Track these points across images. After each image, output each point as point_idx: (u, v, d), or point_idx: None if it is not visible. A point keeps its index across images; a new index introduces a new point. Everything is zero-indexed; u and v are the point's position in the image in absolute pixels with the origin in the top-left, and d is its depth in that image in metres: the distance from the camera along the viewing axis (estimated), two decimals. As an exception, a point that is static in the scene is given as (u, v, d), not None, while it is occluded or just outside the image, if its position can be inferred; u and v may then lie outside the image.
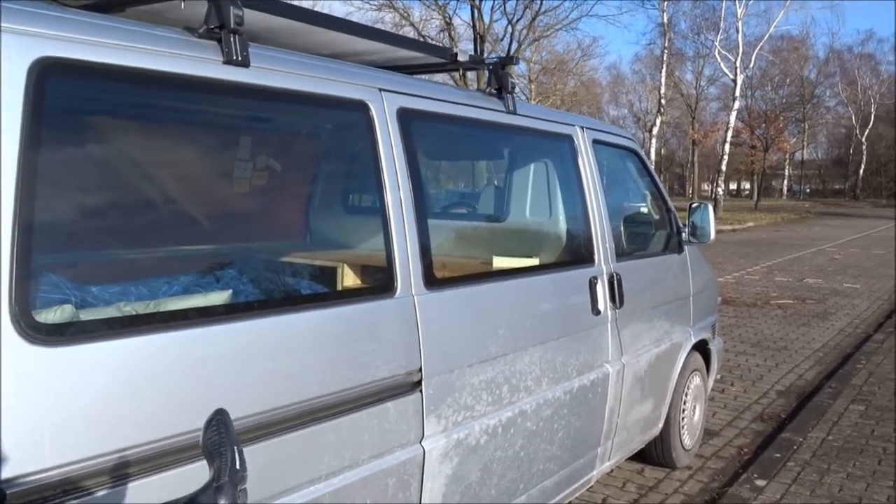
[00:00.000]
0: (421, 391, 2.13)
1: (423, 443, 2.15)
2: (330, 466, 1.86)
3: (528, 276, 2.73)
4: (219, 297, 1.71)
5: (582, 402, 2.96)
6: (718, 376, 4.91)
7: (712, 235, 3.83)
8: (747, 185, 63.32)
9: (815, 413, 5.10)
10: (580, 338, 2.94)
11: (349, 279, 2.21)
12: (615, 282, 3.17)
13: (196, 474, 1.54)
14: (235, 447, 0.93)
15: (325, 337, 1.86)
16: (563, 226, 3.22)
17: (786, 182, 64.05)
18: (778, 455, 4.33)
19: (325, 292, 1.95)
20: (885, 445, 4.47)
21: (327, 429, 1.84)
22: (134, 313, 1.58)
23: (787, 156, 57.95)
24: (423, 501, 2.17)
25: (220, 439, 0.93)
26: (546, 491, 2.87)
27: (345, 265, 2.32)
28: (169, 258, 2.26)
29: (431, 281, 2.21)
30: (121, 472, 1.42)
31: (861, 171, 56.81)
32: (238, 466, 0.90)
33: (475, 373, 2.34)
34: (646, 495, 3.91)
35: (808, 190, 67.40)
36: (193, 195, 2.18)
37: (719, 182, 28.77)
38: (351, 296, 2.00)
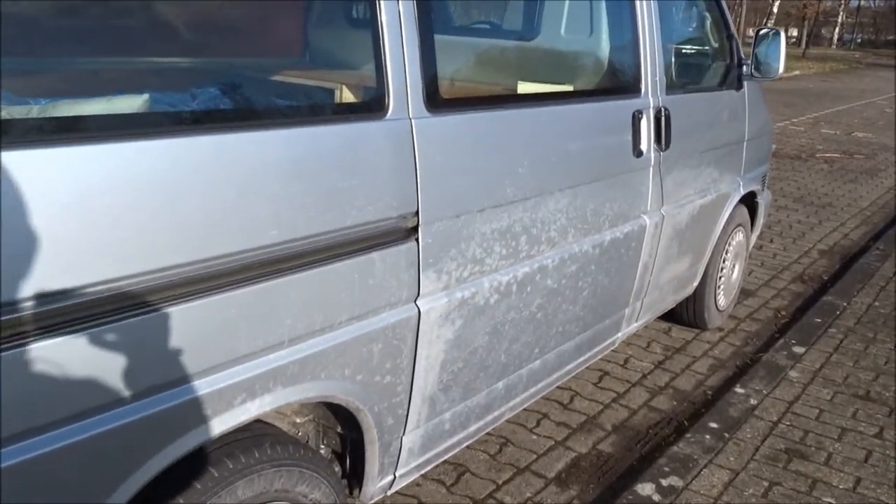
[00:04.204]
0: (417, 240, 1.70)
1: (418, 302, 1.76)
2: (295, 330, 1.47)
3: (558, 105, 2.22)
4: (129, 104, 1.25)
5: (612, 258, 2.54)
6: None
7: (781, 69, 3.23)
8: (794, 32, 59.69)
9: (861, 276, 4.68)
10: (616, 183, 2.47)
11: (330, 97, 1.72)
12: (663, 118, 2.65)
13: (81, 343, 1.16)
14: None
15: (285, 166, 1.40)
16: (605, 47, 2.65)
17: (837, 30, 60.21)
18: (819, 320, 3.96)
19: (287, 109, 1.47)
20: (940, 315, 4.08)
21: (290, 284, 1.44)
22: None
23: (842, 1, 54.00)
24: (416, 370, 1.82)
25: None
26: (564, 355, 2.52)
27: (332, 83, 1.83)
28: (134, 71, 1.78)
29: (435, 102, 1.72)
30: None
31: (921, 20, 52.90)
32: None
33: (487, 219, 1.90)
34: (672, 357, 3.60)
35: (859, 39, 63.51)
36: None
37: (769, 26, 26.74)
38: (324, 114, 1.52)
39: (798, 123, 12.20)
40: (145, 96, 1.26)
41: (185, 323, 1.28)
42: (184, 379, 1.30)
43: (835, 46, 55.97)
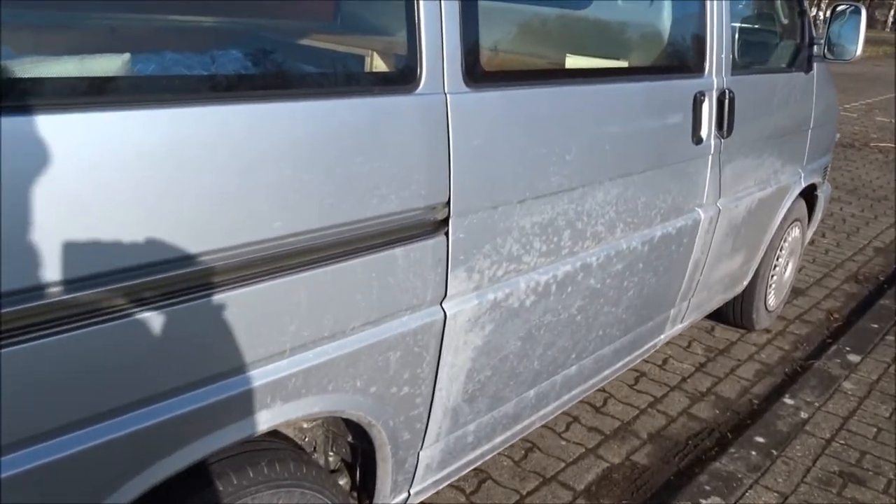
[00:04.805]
0: (447, 234, 1.48)
1: (444, 304, 1.54)
2: (299, 338, 1.26)
3: (611, 83, 1.96)
4: (106, 66, 1.03)
5: (662, 255, 2.29)
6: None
7: (858, 51, 2.91)
8: (848, 14, 57.32)
9: (921, 278, 4.37)
10: (672, 172, 2.21)
11: (352, 67, 1.49)
12: (726, 101, 2.37)
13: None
14: None
15: (295, 145, 1.18)
16: (666, 19, 2.37)
17: (892, 13, 58.01)
18: (875, 326, 3.67)
19: (300, 79, 1.24)
20: None
21: (296, 285, 1.23)
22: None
23: (901, -18, 51.84)
24: (439, 380, 1.60)
25: None
26: (602, 360, 2.29)
27: (355, 50, 1.59)
28: (153, 29, 1.56)
29: (475, 75, 1.49)
30: None
31: (982, 6, 50.62)
32: None
33: (528, 211, 1.67)
34: (714, 359, 3.34)
35: (915, 23, 61.09)
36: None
37: (822, 5, 25.75)
38: (345, 85, 1.29)
39: (851, 109, 11.65)
40: (124, 57, 1.04)
41: (169, 330, 1.07)
42: (164, 395, 1.10)
43: (889, 30, 53.99)
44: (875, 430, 2.77)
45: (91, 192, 0.96)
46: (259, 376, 1.22)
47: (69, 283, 0.96)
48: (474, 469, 2.40)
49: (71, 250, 0.95)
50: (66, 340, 0.97)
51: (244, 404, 1.20)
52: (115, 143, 0.98)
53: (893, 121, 10.77)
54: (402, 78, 1.37)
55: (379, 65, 1.45)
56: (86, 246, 0.95)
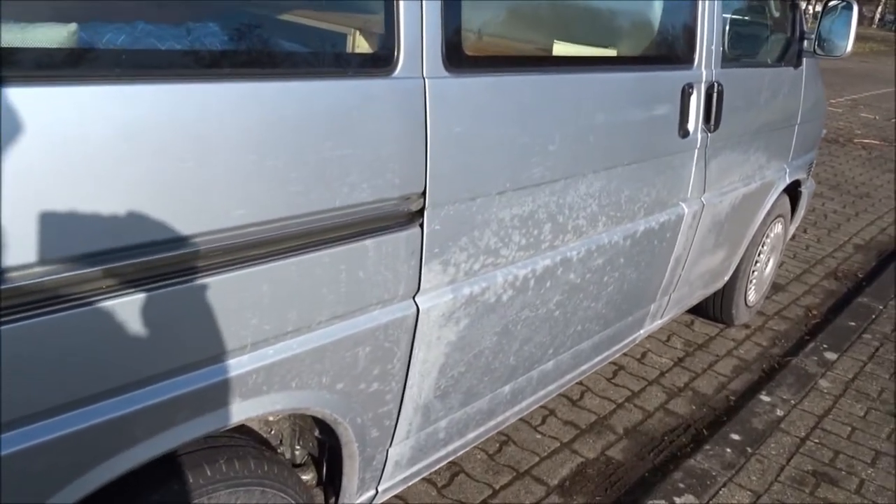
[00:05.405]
0: (421, 225, 1.42)
1: (417, 299, 1.48)
2: (261, 332, 1.20)
3: (599, 72, 1.90)
4: (50, 37, 0.95)
5: (644, 250, 2.24)
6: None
7: (849, 47, 2.87)
8: (836, 8, 57.35)
9: (900, 277, 4.37)
10: (657, 166, 2.16)
11: (325, 46, 1.41)
12: (715, 94, 2.32)
13: None
14: None
15: (261, 129, 1.11)
16: (657, 8, 2.30)
17: (880, 9, 58.31)
18: (853, 324, 3.67)
19: (268, 57, 1.16)
20: None
21: (258, 277, 1.16)
22: None
23: (889, -22, 52.11)
24: (410, 376, 1.55)
25: None
26: (581, 355, 2.25)
27: (328, 28, 1.51)
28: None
29: (456, 60, 1.42)
30: None
31: (968, 4, 51.02)
32: None
33: (508, 203, 1.61)
34: (693, 354, 3.32)
35: (901, 20, 61.41)
36: None
37: (812, 0, 25.76)
38: (317, 66, 1.22)
39: (836, 105, 11.68)
40: (70, 28, 0.96)
41: (117, 323, 1.00)
42: (115, 391, 1.03)
43: (875, 26, 54.26)
44: (849, 429, 2.76)
45: (33, 172, 0.89)
46: (218, 372, 1.15)
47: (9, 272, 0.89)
48: (447, 462, 2.37)
49: (11, 237, 0.88)
50: (17, 330, 0.90)
51: (201, 401, 1.14)
52: (56, 122, 0.90)
53: (878, 117, 10.81)
54: (379, 60, 1.30)
55: (354, 45, 1.37)
56: (23, 233, 0.88)
